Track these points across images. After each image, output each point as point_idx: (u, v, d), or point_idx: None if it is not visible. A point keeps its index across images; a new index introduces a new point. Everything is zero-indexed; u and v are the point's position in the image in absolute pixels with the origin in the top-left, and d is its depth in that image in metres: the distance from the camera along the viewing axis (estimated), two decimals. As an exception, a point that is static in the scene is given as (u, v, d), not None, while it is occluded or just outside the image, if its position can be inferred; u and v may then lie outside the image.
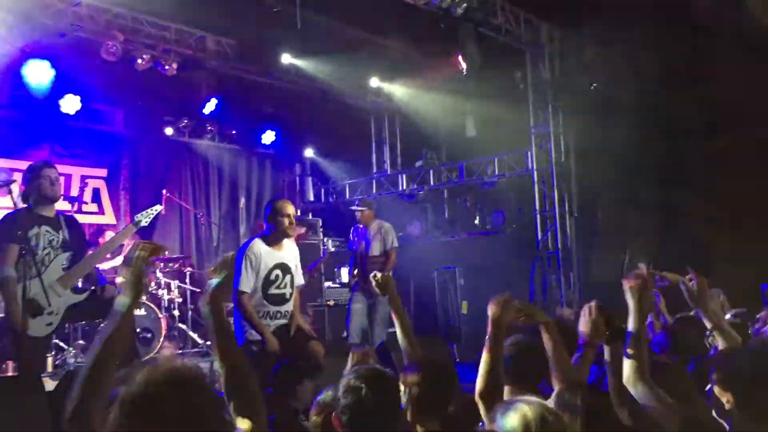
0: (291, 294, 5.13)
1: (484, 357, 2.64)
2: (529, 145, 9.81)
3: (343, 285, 9.84)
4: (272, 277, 5.01)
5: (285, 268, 5.09)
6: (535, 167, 9.75)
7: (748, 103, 10.13)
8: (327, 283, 9.62)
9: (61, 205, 6.23)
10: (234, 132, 11.05)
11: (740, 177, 9.89)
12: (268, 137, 11.04)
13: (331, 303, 9.33)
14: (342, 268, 10.17)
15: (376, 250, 7.55)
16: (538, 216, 9.70)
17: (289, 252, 5.20)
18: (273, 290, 5.02)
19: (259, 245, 4.98)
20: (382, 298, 7.03)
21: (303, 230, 8.77)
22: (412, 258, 9.63)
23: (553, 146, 9.65)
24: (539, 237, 9.67)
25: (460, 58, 8.85)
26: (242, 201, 11.36)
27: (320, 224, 9.84)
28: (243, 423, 1.82)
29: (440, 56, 9.85)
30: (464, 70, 8.99)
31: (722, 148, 10.86)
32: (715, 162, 10.22)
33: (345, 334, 9.10)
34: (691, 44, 9.42)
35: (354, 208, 7.85)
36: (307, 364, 4.78)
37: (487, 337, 2.70)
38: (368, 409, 2.22)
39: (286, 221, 5.05)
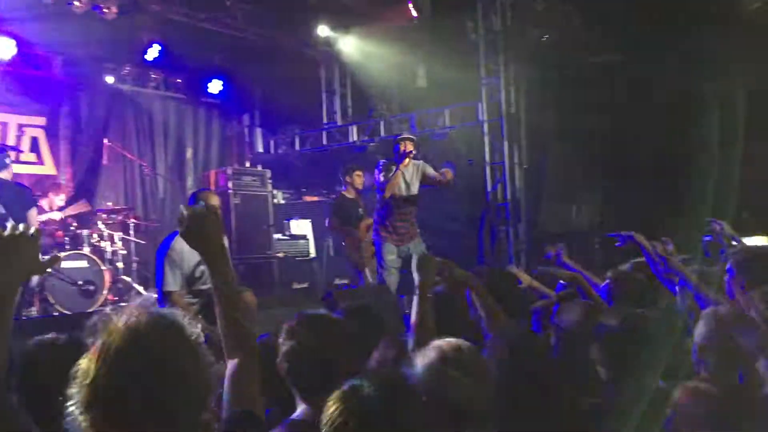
0: None
1: (413, 315, 2.68)
2: (480, 96, 9.78)
3: (293, 237, 9.76)
4: (197, 273, 4.83)
5: None
6: (485, 119, 9.74)
7: (694, 59, 10.29)
8: (277, 235, 9.52)
9: (-5, 154, 6.02)
10: (179, 81, 10.74)
11: (687, 132, 10.08)
12: (215, 86, 10.76)
13: (281, 255, 9.26)
14: (291, 220, 10.08)
15: (416, 188, 6.86)
16: (488, 168, 9.73)
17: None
18: (199, 286, 4.86)
19: (180, 242, 4.72)
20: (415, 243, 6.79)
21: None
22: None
23: (504, 98, 9.63)
24: (488, 189, 9.72)
25: (410, 5, 8.69)
26: (189, 152, 11.10)
27: (269, 176, 9.68)
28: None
29: (391, 5, 9.66)
30: (415, 19, 8.85)
31: (671, 103, 11.04)
32: (662, 116, 10.38)
33: (296, 285, 9.09)
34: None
35: (406, 136, 6.89)
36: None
37: (415, 296, 2.74)
38: (309, 353, 2.18)
39: None
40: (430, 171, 6.99)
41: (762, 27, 10.82)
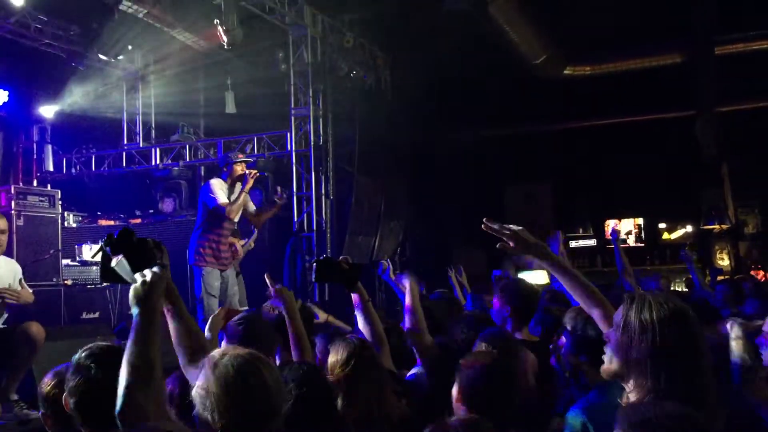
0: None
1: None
2: (289, 126, 9.86)
3: (83, 263, 9.10)
4: None
5: None
6: (294, 149, 9.82)
7: (475, 104, 11.25)
8: (66, 261, 8.81)
9: None
10: (-45, 88, 9.69)
11: (477, 169, 10.88)
12: (0, 97, 9.84)
13: (69, 282, 8.57)
14: (84, 245, 9.40)
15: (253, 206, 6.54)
16: (295, 198, 9.78)
17: (2, 271, 4.57)
18: None
19: None
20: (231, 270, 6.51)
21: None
22: (163, 235, 9.21)
23: (312, 129, 9.78)
24: (295, 218, 9.76)
25: (220, 30, 8.56)
26: (-35, 167, 10.01)
27: (59, 196, 8.96)
28: None
29: (201, 27, 9.47)
30: (225, 44, 8.73)
31: (464, 141, 11.87)
32: (457, 154, 11.12)
33: (86, 315, 8.44)
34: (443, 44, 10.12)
35: (244, 159, 6.51)
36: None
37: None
38: (98, 389, 2.03)
39: None
40: (251, 205, 6.74)
41: (543, 79, 12.03)
